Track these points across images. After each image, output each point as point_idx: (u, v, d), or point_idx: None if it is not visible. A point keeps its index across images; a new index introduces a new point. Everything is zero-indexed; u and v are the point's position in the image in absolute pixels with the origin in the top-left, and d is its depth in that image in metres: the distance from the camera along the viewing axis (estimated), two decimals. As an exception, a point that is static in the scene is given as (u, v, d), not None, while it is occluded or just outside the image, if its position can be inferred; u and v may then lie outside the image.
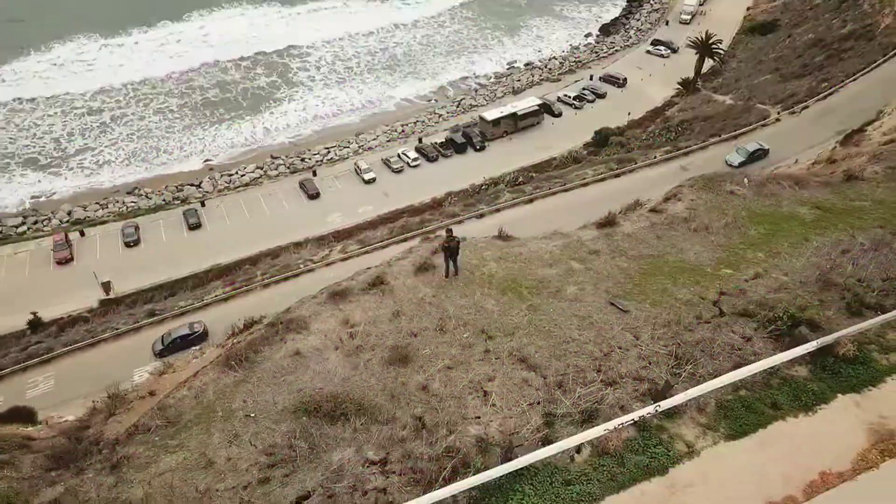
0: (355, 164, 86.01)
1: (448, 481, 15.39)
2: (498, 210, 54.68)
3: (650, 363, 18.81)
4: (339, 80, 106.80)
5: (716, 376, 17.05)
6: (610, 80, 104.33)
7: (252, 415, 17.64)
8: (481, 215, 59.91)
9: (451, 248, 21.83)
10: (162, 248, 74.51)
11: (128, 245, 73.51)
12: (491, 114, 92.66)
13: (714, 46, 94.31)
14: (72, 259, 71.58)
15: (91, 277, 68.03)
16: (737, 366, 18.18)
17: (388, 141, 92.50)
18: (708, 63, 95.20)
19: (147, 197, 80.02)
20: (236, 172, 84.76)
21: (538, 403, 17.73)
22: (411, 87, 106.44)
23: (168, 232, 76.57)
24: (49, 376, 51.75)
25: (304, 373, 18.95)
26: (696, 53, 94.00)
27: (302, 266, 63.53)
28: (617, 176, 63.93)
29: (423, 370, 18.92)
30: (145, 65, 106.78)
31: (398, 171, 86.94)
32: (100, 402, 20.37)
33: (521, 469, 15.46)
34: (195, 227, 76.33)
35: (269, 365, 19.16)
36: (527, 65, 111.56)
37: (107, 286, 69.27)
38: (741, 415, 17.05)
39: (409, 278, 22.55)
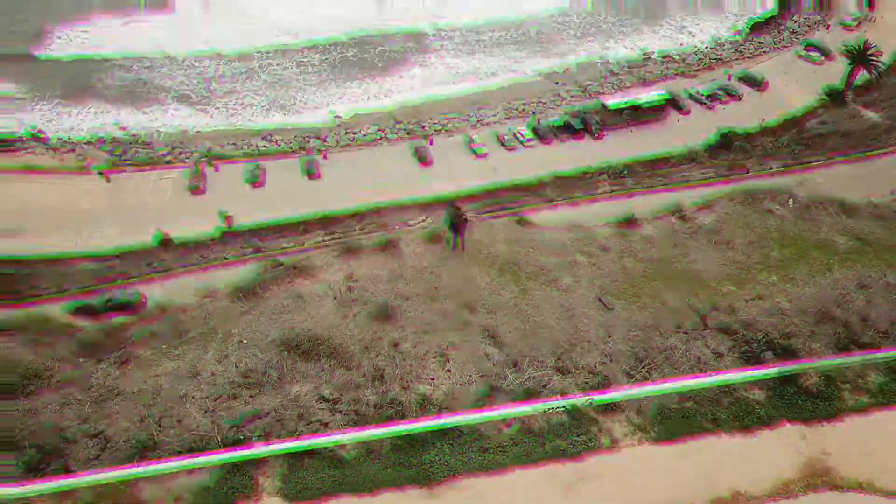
0: (469, 136, 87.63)
1: (387, 424, 17.36)
2: (574, 203, 54.47)
3: (610, 360, 19.61)
4: (468, 51, 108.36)
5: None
6: (749, 81, 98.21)
7: (245, 341, 20.39)
8: (553, 203, 60.26)
9: (456, 222, 23.31)
10: (281, 190, 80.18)
11: (252, 184, 79.58)
12: (613, 101, 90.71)
13: (872, 56, 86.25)
14: (204, 190, 78.68)
15: (217, 208, 74.61)
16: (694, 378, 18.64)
17: (506, 118, 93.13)
18: (865, 76, 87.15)
19: (276, 143, 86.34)
20: (359, 130, 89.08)
21: (489, 376, 19.14)
22: (538, 65, 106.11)
23: (289, 177, 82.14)
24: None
25: (300, 314, 21.45)
26: (850, 62, 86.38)
27: (397, 227, 66.52)
28: (725, 181, 61.38)
29: (401, 330, 20.84)
30: (296, 17, 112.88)
31: (510, 148, 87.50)
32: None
33: (448, 429, 17.12)
34: (313, 176, 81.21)
35: (273, 302, 21.83)
36: (663, 56, 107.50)
37: (227, 218, 75.77)
38: (677, 423, 17.67)
39: (419, 246, 24.39)
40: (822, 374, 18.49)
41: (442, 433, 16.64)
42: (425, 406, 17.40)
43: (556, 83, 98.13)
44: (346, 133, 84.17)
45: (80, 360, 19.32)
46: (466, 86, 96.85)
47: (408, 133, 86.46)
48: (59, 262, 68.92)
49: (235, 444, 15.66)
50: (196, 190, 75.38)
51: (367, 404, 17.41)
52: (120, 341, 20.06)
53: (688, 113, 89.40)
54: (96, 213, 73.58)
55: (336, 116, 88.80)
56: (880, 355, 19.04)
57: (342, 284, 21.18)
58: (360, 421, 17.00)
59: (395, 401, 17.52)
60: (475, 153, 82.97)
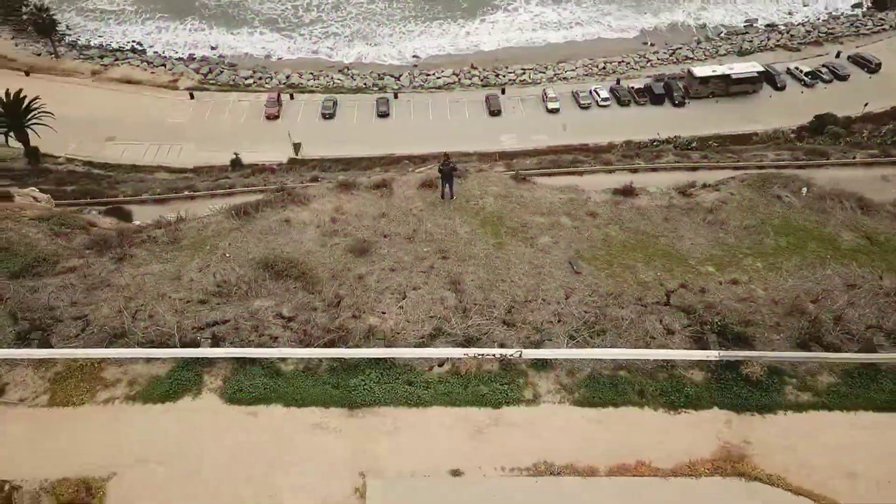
0: (544, 90, 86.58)
1: (328, 347, 18.74)
2: (635, 170, 53.58)
3: (559, 321, 20.16)
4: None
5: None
6: (860, 61, 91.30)
7: (228, 255, 22.13)
8: (611, 171, 59.24)
9: (444, 172, 24.03)
10: (350, 126, 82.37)
11: (324, 117, 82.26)
12: (701, 70, 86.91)
13: None
14: (278, 117, 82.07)
15: (288, 136, 77.81)
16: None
17: (586, 75, 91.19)
18: None
19: (352, 78, 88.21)
20: (434, 73, 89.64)
21: (437, 318, 20.13)
22: (628, 22, 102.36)
23: (360, 113, 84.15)
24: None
25: (284, 237, 22.98)
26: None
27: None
28: (800, 167, 58.41)
29: (371, 264, 22.02)
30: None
31: (585, 108, 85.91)
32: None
33: (382, 360, 18.34)
34: (383, 115, 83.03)
35: (262, 223, 23.43)
36: (768, 25, 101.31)
37: (297, 147, 78.78)
38: (604, 390, 18.23)
39: (410, 189, 25.27)
40: (767, 366, 18.30)
41: (376, 362, 17.81)
42: (369, 336, 18.53)
43: (645, 43, 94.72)
44: (421, 74, 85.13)
45: (87, 251, 21.45)
46: (549, 36, 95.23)
47: (482, 81, 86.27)
48: (141, 170, 74.05)
49: (191, 343, 17.29)
50: (271, 116, 79.08)
51: (317, 326, 18.71)
52: (126, 241, 22.01)
53: (782, 89, 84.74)
54: (179, 127, 78.32)
55: (414, 56, 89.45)
56: (834, 355, 18.62)
57: (328, 215, 22.30)
58: (305, 340, 18.36)
59: (343, 327, 18.75)
60: (547, 108, 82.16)
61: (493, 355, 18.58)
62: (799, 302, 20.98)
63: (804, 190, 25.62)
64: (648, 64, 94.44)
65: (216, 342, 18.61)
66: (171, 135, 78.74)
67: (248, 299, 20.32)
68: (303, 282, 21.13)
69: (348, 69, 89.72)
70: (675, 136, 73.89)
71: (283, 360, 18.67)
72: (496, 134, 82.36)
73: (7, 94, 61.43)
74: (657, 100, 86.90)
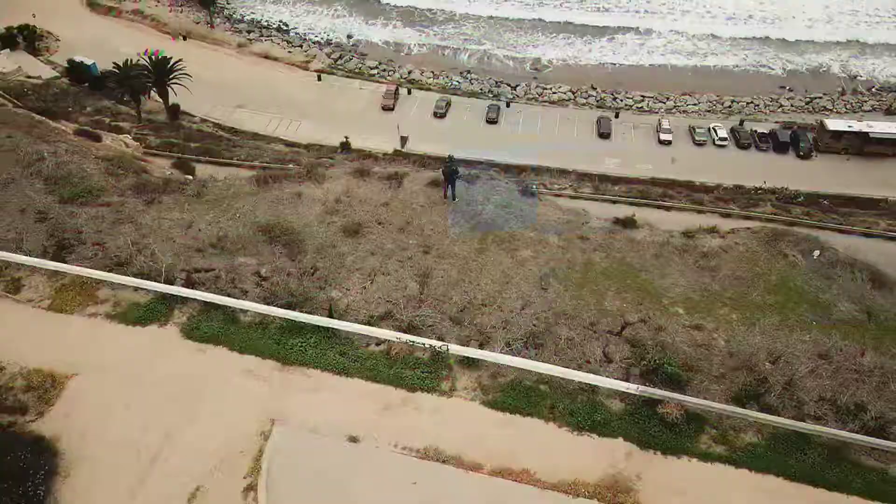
0: (659, 120, 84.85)
1: (286, 309, 20.92)
2: (727, 215, 52.33)
3: (504, 327, 21.13)
4: (698, 21, 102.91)
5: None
6: None
7: (238, 216, 24.88)
8: (669, 208, 58.23)
9: (446, 173, 25.47)
10: (459, 127, 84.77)
11: (435, 115, 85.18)
12: (835, 124, 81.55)
13: None
14: (393, 109, 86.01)
15: (397, 128, 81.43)
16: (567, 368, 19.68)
17: (708, 111, 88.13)
18: None
19: (470, 81, 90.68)
20: (550, 87, 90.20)
21: (393, 303, 21.74)
22: (767, 59, 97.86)
23: (470, 116, 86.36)
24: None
25: (291, 208, 25.45)
26: None
27: (534, 187, 68.14)
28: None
29: (355, 246, 23.97)
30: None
31: (699, 144, 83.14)
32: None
33: (326, 328, 20.26)
34: (492, 121, 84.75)
35: (276, 193, 26.02)
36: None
37: (403, 140, 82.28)
38: (518, 397, 19.19)
39: (418, 185, 26.92)
40: (687, 411, 18.40)
41: (320, 329, 19.67)
42: (326, 306, 20.44)
43: (781, 87, 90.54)
44: (538, 87, 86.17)
45: (129, 191, 24.92)
46: (678, 63, 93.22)
47: (597, 102, 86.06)
48: (260, 139, 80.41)
49: (171, 282, 19.96)
50: (387, 108, 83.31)
51: (285, 289, 20.85)
52: (163, 189, 25.29)
53: (930, 158, 77.50)
54: (302, 104, 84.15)
55: (534, 69, 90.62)
56: (756, 415, 18.35)
57: (336, 196, 24.48)
58: (269, 299, 20.56)
59: (307, 295, 20.77)
60: (659, 139, 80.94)
61: (423, 345, 19.85)
62: (754, 359, 20.57)
63: (816, 253, 24.68)
64: (780, 109, 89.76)
65: (191, 285, 21.16)
66: (294, 110, 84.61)
67: (236, 254, 22.78)
68: (289, 249, 23.33)
69: (469, 72, 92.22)
70: (782, 188, 70.21)
71: (244, 311, 20.91)
72: (601, 156, 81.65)
73: (155, 53, 69.06)
74: (780, 148, 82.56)
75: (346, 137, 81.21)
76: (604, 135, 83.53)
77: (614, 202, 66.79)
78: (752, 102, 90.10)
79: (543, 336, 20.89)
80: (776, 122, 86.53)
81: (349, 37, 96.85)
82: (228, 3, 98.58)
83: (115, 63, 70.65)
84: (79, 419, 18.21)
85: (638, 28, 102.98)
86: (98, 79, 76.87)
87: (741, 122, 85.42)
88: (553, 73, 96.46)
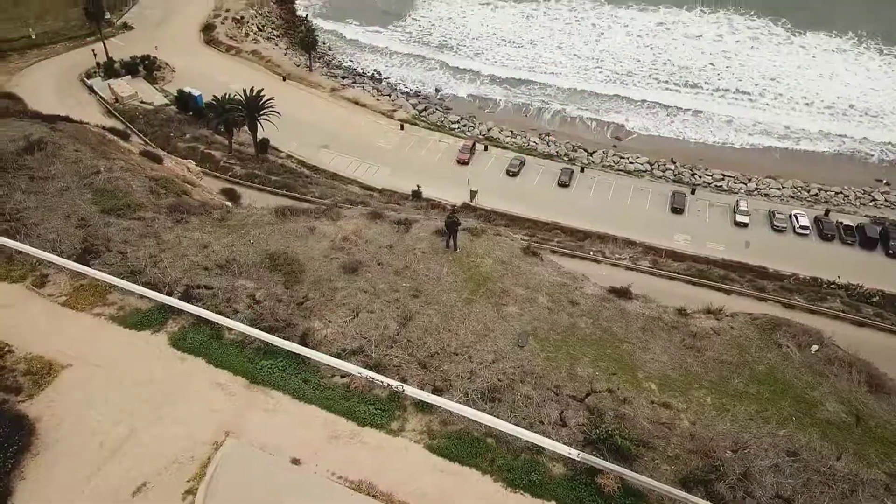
0: (737, 201, 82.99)
1: (266, 332, 22.46)
2: (789, 306, 50.90)
3: (468, 378, 21.74)
4: (789, 105, 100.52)
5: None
6: None
7: (252, 242, 26.90)
8: (728, 292, 56.56)
9: (448, 224, 26.56)
10: (530, 187, 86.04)
11: (508, 173, 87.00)
12: (936, 224, 77.42)
13: None
14: (467, 163, 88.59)
15: (467, 181, 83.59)
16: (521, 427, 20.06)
17: (791, 197, 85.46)
18: None
19: (547, 143, 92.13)
20: (628, 157, 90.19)
21: (368, 340, 22.82)
22: (867, 147, 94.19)
23: (542, 178, 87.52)
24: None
25: (301, 240, 27.23)
26: None
27: (590, 254, 68.17)
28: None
29: (350, 282, 25.35)
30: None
31: (778, 231, 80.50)
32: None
33: (297, 355, 21.62)
34: (563, 185, 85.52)
35: (292, 226, 27.92)
36: None
37: (473, 194, 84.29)
38: (461, 446, 19.81)
39: (424, 233, 28.13)
40: (626, 485, 18.33)
41: (291, 355, 21.03)
42: (304, 335, 21.83)
43: (878, 181, 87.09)
44: (615, 155, 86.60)
45: (164, 209, 27.51)
46: (766, 144, 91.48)
47: (675, 176, 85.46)
48: (338, 179, 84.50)
49: (171, 294, 21.98)
50: (462, 161, 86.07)
51: (272, 314, 22.43)
52: (195, 211, 27.72)
53: None
54: (383, 151, 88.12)
55: (615, 138, 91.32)
56: (696, 500, 17.99)
57: (345, 234, 26.11)
58: (255, 321, 22.17)
59: (290, 321, 22.25)
60: (735, 220, 79.49)
61: (382, 383, 20.72)
62: (714, 445, 20.11)
63: (814, 347, 23.86)
64: (872, 203, 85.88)
65: (189, 299, 23.05)
66: (374, 156, 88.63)
67: (238, 277, 24.61)
68: (288, 277, 24.95)
69: (547, 135, 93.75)
70: (857, 285, 66.77)
71: (229, 329, 22.52)
72: (671, 231, 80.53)
73: (251, 89, 74.68)
74: (868, 243, 78.70)
75: (419, 186, 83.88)
76: (677, 210, 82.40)
77: (671, 279, 65.65)
78: (841, 193, 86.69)
79: (503, 391, 21.22)
80: (865, 216, 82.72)
81: (437, 90, 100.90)
82: (329, 50, 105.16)
83: (214, 96, 76.78)
84: (61, 406, 20.13)
85: (731, 100, 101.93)
86: (201, 109, 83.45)
87: (826, 213, 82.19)
88: (633, 141, 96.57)
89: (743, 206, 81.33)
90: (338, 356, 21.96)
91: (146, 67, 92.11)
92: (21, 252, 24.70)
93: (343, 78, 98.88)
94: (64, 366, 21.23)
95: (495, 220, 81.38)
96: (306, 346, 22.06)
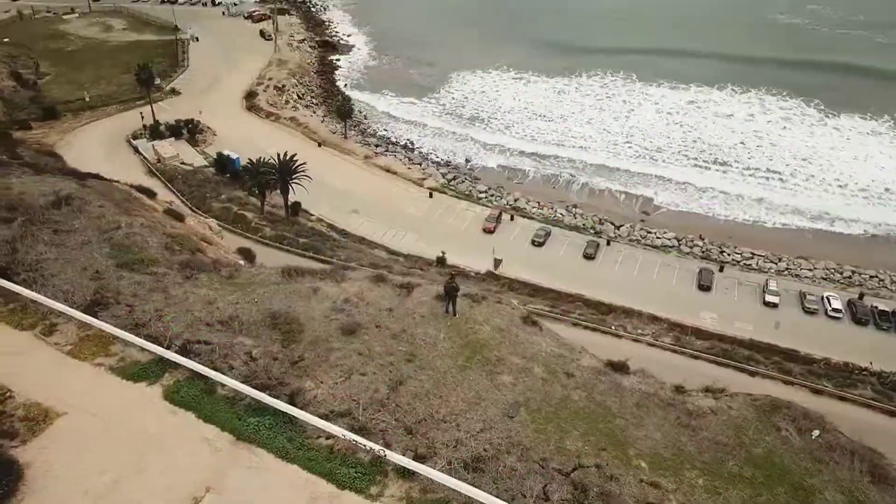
0: (766, 280, 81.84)
1: (258, 389, 22.87)
2: (818, 392, 49.68)
3: (454, 446, 21.67)
4: (824, 189, 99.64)
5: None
6: None
7: (256, 300, 27.64)
8: (753, 373, 54.90)
9: (447, 289, 26.94)
10: (554, 258, 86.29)
11: (533, 244, 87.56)
12: (975, 315, 75.09)
13: None
14: (493, 232, 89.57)
15: (492, 250, 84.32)
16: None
17: (824, 279, 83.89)
18: None
19: (574, 216, 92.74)
20: (655, 232, 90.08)
21: (357, 402, 23.00)
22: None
23: (567, 249, 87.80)
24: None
25: (303, 301, 27.85)
26: None
27: (612, 328, 67.53)
28: None
29: (347, 343, 25.74)
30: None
31: (809, 313, 78.78)
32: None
33: (286, 415, 21.92)
34: (589, 257, 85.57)
35: (297, 286, 28.63)
36: None
37: (497, 262, 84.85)
38: (438, 515, 19.43)
39: (425, 297, 28.51)
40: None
41: (281, 414, 21.34)
42: (294, 395, 22.18)
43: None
44: (642, 230, 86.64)
45: (177, 265, 28.54)
46: (801, 224, 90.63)
47: (703, 253, 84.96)
48: (366, 244, 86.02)
49: (169, 348, 22.66)
50: (488, 230, 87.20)
51: (265, 372, 22.90)
52: (206, 269, 28.71)
53: None
54: (411, 218, 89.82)
55: (643, 211, 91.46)
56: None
57: (347, 296, 26.71)
58: (249, 378, 22.63)
59: (282, 380, 22.67)
60: (764, 300, 78.50)
61: (365, 446, 20.75)
62: (700, 530, 19.50)
63: (816, 433, 23.19)
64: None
65: (186, 353, 23.64)
66: (402, 222, 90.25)
67: (238, 335, 25.20)
68: (286, 336, 25.45)
69: (574, 206, 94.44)
70: (890, 372, 64.63)
71: (222, 385, 22.94)
72: (698, 308, 79.45)
73: (284, 154, 77.48)
74: (904, 330, 76.49)
75: (443, 253, 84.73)
76: (704, 287, 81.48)
77: (694, 357, 64.57)
78: (876, 276, 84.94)
79: (488, 461, 21.01)
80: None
81: (467, 160, 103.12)
82: (365, 119, 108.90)
83: (249, 159, 79.78)
84: (52, 452, 20.58)
85: (764, 177, 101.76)
86: (238, 171, 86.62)
87: (861, 296, 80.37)
88: (661, 216, 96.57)
89: (773, 285, 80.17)
90: (325, 417, 22.05)
91: (189, 130, 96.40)
92: (35, 301, 25.67)
93: (376, 146, 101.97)
94: (60, 413, 21.76)
95: (518, 289, 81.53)
96: (295, 405, 22.25)
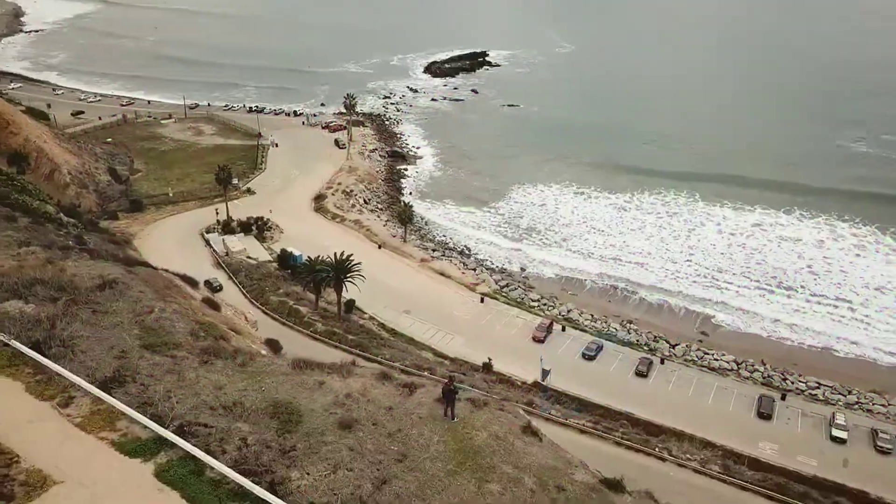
0: (833, 413, 77.23)
1: (244, 475, 23.43)
2: None
3: (424, 551, 21.36)
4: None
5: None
6: None
7: (263, 389, 28.63)
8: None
9: (445, 392, 27.15)
10: (605, 374, 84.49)
11: (584, 357, 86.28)
12: None
13: None
14: (543, 342, 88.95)
15: (540, 360, 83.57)
16: None
17: (900, 413, 78.36)
18: None
19: (628, 331, 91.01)
20: (713, 353, 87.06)
21: (338, 497, 23.12)
22: None
23: (619, 365, 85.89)
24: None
25: (308, 393, 28.64)
26: None
27: (656, 450, 64.84)
28: None
29: (342, 438, 26.14)
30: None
31: (883, 452, 73.47)
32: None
33: (264, 501, 22.35)
34: (641, 374, 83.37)
35: (303, 378, 29.52)
36: None
37: (545, 373, 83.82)
38: None
39: (428, 398, 28.75)
40: None
41: (260, 500, 21.75)
42: (276, 484, 22.66)
43: None
44: (699, 350, 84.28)
45: (198, 351, 30.13)
46: (875, 357, 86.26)
47: (763, 378, 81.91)
48: (413, 344, 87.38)
49: (170, 428, 23.80)
50: (537, 339, 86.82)
51: (256, 458, 23.58)
52: (225, 356, 30.19)
53: None
54: (460, 322, 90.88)
55: (702, 332, 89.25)
56: None
57: (349, 392, 27.47)
58: (238, 462, 23.33)
59: (270, 468, 23.26)
60: (831, 435, 74.68)
61: (333, 544, 20.69)
62: None
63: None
64: None
65: (183, 434, 24.57)
66: (452, 325, 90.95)
67: (237, 420, 26.04)
68: (283, 426, 26.10)
69: (630, 322, 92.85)
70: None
71: (211, 468, 23.58)
72: (755, 438, 75.52)
73: (341, 253, 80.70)
74: None
75: (490, 359, 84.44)
76: (764, 415, 77.62)
77: (742, 488, 61.14)
78: (958, 410, 78.65)
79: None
80: None
81: (522, 269, 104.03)
82: (426, 224, 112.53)
83: (308, 257, 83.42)
84: (40, 520, 21.44)
85: (836, 301, 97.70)
86: (298, 268, 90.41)
87: (933, 433, 74.35)
88: (720, 336, 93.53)
89: (840, 419, 75.51)
90: (304, 508, 22.16)
91: (258, 227, 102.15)
92: (59, 374, 27.45)
93: (433, 250, 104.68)
94: (57, 482, 22.76)
95: (565, 402, 79.68)
96: (276, 494, 22.49)
